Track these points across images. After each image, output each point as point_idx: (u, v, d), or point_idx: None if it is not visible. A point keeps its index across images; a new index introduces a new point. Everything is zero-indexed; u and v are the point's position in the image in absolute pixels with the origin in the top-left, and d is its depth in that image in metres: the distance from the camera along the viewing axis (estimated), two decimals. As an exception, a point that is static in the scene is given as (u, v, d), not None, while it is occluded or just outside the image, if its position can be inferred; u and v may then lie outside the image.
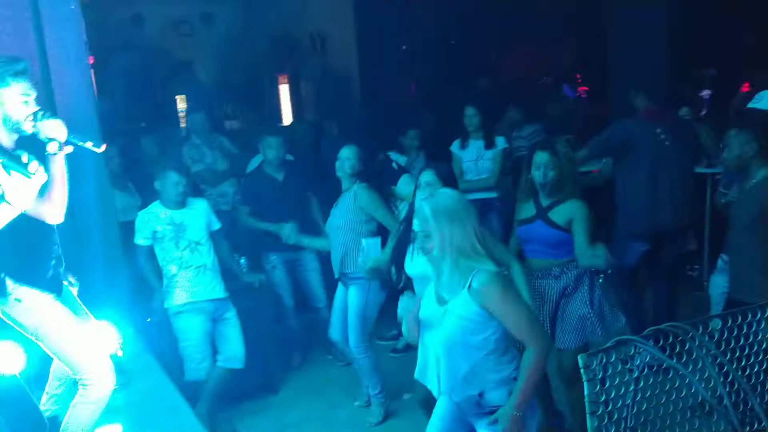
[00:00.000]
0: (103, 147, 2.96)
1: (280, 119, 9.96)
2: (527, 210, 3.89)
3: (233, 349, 4.46)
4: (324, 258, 5.14)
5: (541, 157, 3.77)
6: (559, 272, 3.76)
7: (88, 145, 2.88)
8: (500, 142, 5.76)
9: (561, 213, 3.74)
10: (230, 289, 4.52)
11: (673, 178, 4.72)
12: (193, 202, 4.46)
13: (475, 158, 5.73)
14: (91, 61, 4.51)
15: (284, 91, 9.95)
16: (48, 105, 3.86)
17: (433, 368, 2.79)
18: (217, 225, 4.53)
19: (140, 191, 5.24)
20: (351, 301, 4.44)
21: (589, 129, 5.59)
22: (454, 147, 5.83)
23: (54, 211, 2.83)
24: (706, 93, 7.68)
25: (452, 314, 2.68)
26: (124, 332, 3.62)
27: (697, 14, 7.12)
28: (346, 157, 4.46)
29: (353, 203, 4.41)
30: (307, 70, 10.11)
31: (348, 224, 4.41)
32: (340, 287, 4.59)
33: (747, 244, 3.68)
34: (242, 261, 4.83)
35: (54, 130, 2.79)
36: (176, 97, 10.12)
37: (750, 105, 4.27)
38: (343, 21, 10.01)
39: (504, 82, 10.05)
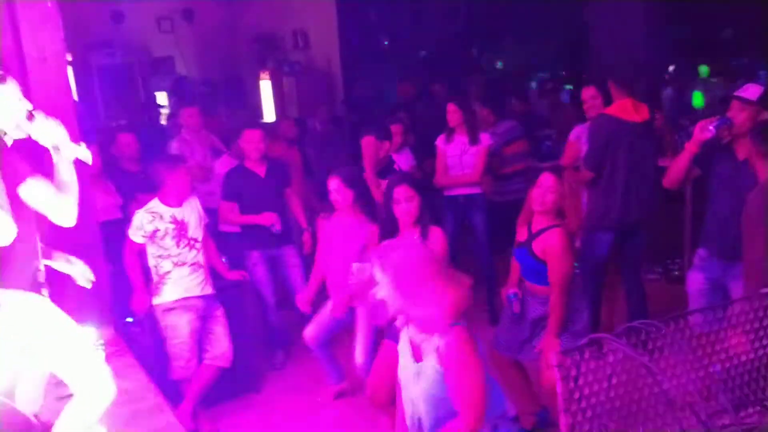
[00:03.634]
0: (89, 154, 2.93)
1: (262, 116, 9.93)
2: (521, 232, 3.89)
3: (221, 348, 4.45)
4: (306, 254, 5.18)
5: (546, 179, 3.74)
6: (543, 299, 3.76)
7: (78, 152, 2.86)
8: (484, 138, 5.78)
9: (542, 243, 3.71)
10: (215, 286, 4.51)
11: (641, 171, 4.76)
12: (189, 200, 4.45)
13: (460, 153, 5.75)
14: (71, 59, 4.47)
15: (266, 87, 9.90)
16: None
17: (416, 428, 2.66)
18: (205, 220, 4.53)
19: (119, 190, 5.20)
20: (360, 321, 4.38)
21: (571, 126, 5.61)
22: (440, 142, 5.85)
23: (69, 213, 2.80)
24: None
25: (428, 368, 2.54)
26: (104, 333, 3.60)
27: (676, 8, 7.19)
28: (335, 190, 4.33)
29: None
30: (290, 66, 10.08)
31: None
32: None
33: (759, 243, 3.52)
34: (223, 260, 4.82)
35: (53, 131, 2.76)
36: (157, 93, 10.05)
37: (737, 93, 4.20)
38: (326, 17, 9.99)
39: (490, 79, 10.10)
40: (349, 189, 4.30)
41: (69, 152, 2.79)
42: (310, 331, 4.54)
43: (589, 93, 5.24)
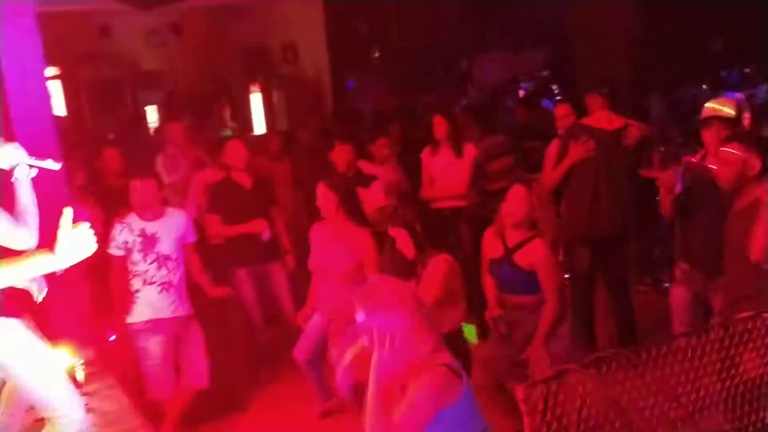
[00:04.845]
0: (59, 164, 2.89)
1: (251, 128, 9.90)
2: (497, 248, 3.84)
3: (197, 368, 4.37)
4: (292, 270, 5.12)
5: (515, 192, 3.72)
6: (533, 307, 3.73)
7: (46, 164, 2.82)
8: (470, 150, 5.75)
9: (526, 255, 3.69)
10: (197, 304, 4.44)
11: (615, 182, 4.73)
12: (170, 214, 4.37)
13: (445, 165, 5.72)
14: (58, 73, 4.45)
15: (256, 100, 9.89)
16: (4, 121, 3.79)
17: None
18: (191, 238, 4.45)
19: (103, 205, 5.14)
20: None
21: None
22: (425, 154, 5.82)
23: (29, 237, 2.75)
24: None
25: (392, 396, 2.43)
26: (84, 353, 3.54)
27: (657, 23, 7.21)
28: (321, 195, 4.26)
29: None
30: (279, 79, 10.06)
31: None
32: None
33: (739, 269, 3.47)
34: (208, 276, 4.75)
35: (12, 154, 2.72)
36: (146, 107, 10.02)
37: (708, 104, 4.21)
38: (314, 30, 9.98)
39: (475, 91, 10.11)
40: (333, 193, 4.24)
41: (28, 174, 2.75)
42: (299, 348, 4.49)
43: (562, 111, 5.22)
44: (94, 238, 2.34)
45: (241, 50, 10.21)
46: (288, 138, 7.48)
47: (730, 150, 3.40)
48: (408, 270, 3.70)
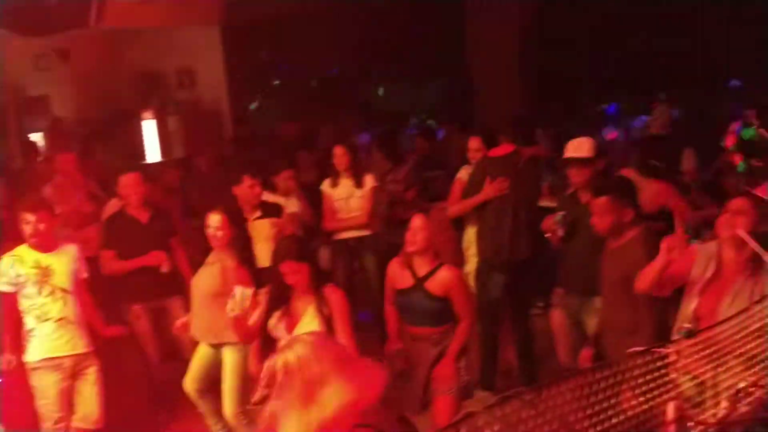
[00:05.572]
0: None
1: (144, 157, 9.59)
2: (403, 278, 3.88)
3: (88, 408, 4.18)
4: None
5: (413, 221, 3.77)
6: (438, 339, 3.79)
7: None
8: (369, 180, 5.81)
9: (438, 282, 3.74)
10: (92, 343, 4.25)
11: (526, 211, 4.94)
12: (63, 247, 4.20)
13: (346, 197, 5.75)
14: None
15: (150, 127, 9.60)
16: None
17: None
18: (84, 274, 4.28)
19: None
20: (226, 364, 4.25)
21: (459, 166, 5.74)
22: (325, 186, 5.82)
23: None
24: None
25: None
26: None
27: (550, 54, 7.60)
28: (215, 227, 4.22)
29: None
30: (174, 105, 9.84)
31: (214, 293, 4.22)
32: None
33: (616, 301, 3.77)
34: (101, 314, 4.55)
35: None
36: (32, 135, 9.52)
37: (568, 155, 4.50)
38: (212, 55, 9.84)
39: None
40: (231, 227, 4.20)
41: None
42: (187, 379, 4.40)
43: (474, 144, 5.39)
44: None
45: (135, 75, 9.91)
46: (184, 166, 7.31)
47: (603, 202, 3.73)
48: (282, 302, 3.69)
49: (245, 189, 5.08)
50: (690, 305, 3.19)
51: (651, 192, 5.10)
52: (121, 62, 9.73)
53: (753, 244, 2.41)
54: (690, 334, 2.21)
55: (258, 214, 5.11)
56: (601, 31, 10.25)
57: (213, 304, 4.21)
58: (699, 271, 3.22)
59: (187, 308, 5.05)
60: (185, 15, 9.06)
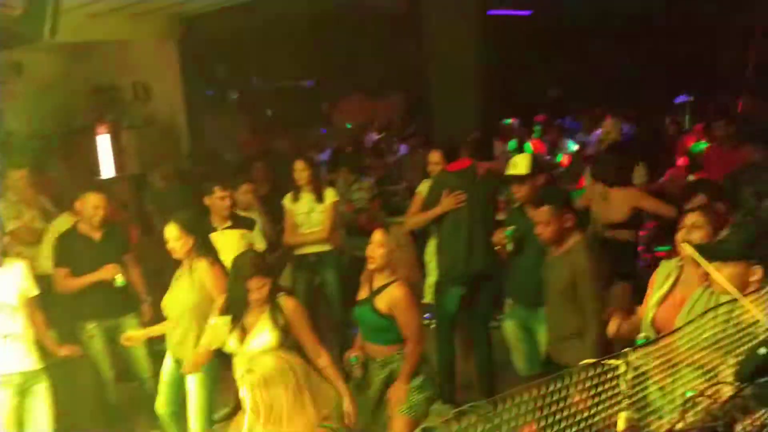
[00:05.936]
0: None
1: (99, 172, 9.42)
2: (363, 291, 3.90)
3: (38, 428, 4.08)
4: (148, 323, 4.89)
5: (373, 236, 3.79)
6: (383, 362, 3.78)
7: None
8: (331, 195, 5.82)
9: (385, 298, 3.74)
10: (42, 361, 4.15)
11: (482, 224, 5.01)
12: (10, 264, 4.11)
13: (307, 211, 5.75)
14: None
15: (104, 142, 9.43)
16: None
17: None
18: (34, 292, 4.18)
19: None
20: (191, 385, 4.18)
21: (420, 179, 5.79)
22: (287, 200, 5.82)
23: None
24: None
25: None
26: None
27: (506, 68, 7.75)
28: (174, 238, 4.17)
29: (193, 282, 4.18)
30: (130, 119, 9.69)
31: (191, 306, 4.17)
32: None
33: (562, 308, 3.90)
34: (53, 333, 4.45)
35: None
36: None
37: (508, 172, 4.65)
38: (168, 68, 9.73)
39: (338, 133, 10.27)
40: (189, 236, 4.15)
41: None
42: (159, 402, 4.34)
43: (434, 158, 5.47)
44: None
45: (89, 90, 9.75)
46: (139, 182, 7.21)
47: (544, 212, 3.87)
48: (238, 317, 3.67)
49: (215, 200, 5.13)
50: (648, 315, 3.27)
51: (619, 199, 5.23)
52: (75, 76, 9.57)
53: (697, 257, 2.48)
54: (646, 342, 2.27)
55: (228, 224, 5.12)
56: (557, 45, 10.48)
57: (194, 316, 4.15)
58: (658, 283, 3.31)
59: (143, 326, 5.00)
60: (141, 29, 8.97)
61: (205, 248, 4.26)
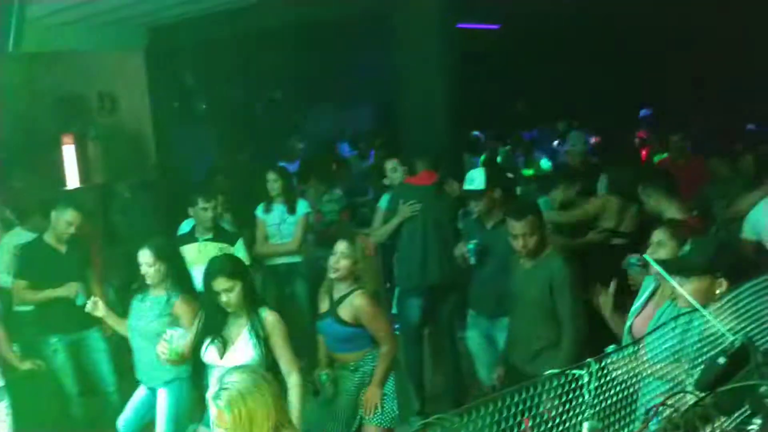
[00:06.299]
0: None
1: (64, 183, 9.27)
2: (324, 303, 3.91)
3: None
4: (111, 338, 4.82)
5: (337, 246, 3.80)
6: (354, 366, 3.79)
7: None
8: (302, 206, 5.82)
9: (348, 308, 3.75)
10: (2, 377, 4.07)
11: (441, 236, 5.08)
12: None
13: (279, 222, 5.75)
14: None
15: (69, 152, 9.28)
16: None
17: None
18: None
19: None
20: (161, 406, 4.11)
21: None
22: (258, 211, 5.82)
23: None
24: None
25: None
26: None
27: (474, 81, 7.84)
28: (147, 264, 4.09)
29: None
30: (96, 129, 9.57)
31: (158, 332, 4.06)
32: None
33: (536, 319, 3.93)
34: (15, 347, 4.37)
35: None
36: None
37: (465, 187, 4.71)
38: (135, 78, 9.63)
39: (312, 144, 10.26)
40: (162, 262, 4.09)
41: None
42: (123, 418, 4.26)
43: (389, 165, 5.50)
44: None
45: (53, 100, 9.60)
46: (105, 193, 7.12)
47: (528, 222, 3.91)
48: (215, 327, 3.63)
49: (198, 211, 5.12)
50: (627, 324, 3.34)
51: (634, 211, 5.15)
52: (40, 86, 9.43)
53: (658, 270, 2.54)
54: (609, 352, 2.30)
55: (209, 236, 5.11)
56: (523, 59, 10.62)
57: (151, 341, 4.01)
58: (639, 293, 3.39)
59: (107, 340, 4.93)
60: (107, 39, 8.88)
61: (180, 280, 4.19)
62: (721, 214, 5.10)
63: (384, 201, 5.49)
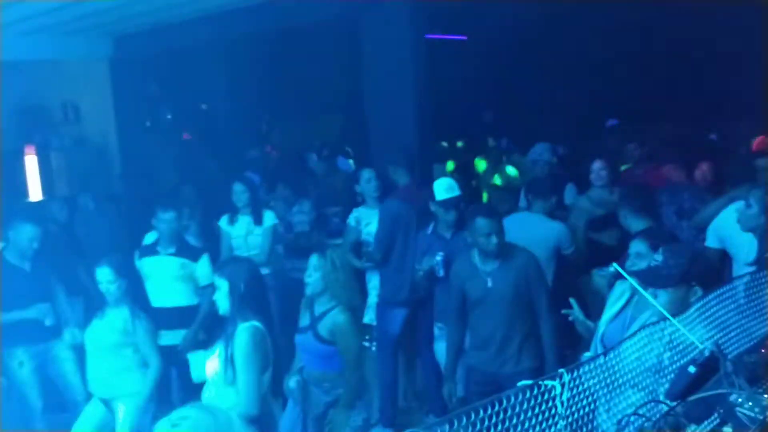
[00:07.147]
0: None
1: (27, 195, 9.11)
2: (304, 318, 3.87)
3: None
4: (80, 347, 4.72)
5: (310, 260, 3.79)
6: (329, 387, 3.78)
7: None
8: (269, 217, 5.76)
9: (327, 325, 3.73)
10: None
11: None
12: None
13: (245, 234, 5.68)
14: None
15: (31, 163, 9.13)
16: None
17: None
18: None
19: None
20: (121, 418, 4.06)
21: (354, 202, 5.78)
22: (222, 222, 5.73)
23: None
24: None
25: None
26: None
27: (441, 91, 7.86)
28: (107, 281, 4.06)
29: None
30: (59, 140, 9.41)
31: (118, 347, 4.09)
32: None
33: (512, 317, 3.93)
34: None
35: None
36: None
37: (439, 197, 4.68)
38: (99, 88, 9.50)
39: (276, 155, 10.20)
40: (122, 278, 4.06)
41: None
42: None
43: (364, 176, 5.43)
44: None
45: (16, 110, 9.43)
46: (69, 204, 7.00)
47: (487, 222, 3.92)
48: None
49: (160, 223, 5.02)
50: (599, 332, 3.35)
51: None
52: (2, 96, 9.25)
53: (629, 279, 2.57)
54: (582, 362, 2.31)
55: (171, 250, 5.00)
56: (491, 70, 10.71)
57: (111, 356, 4.08)
58: (611, 301, 3.39)
59: (73, 349, 4.83)
60: (71, 48, 8.75)
61: (134, 291, 4.20)
62: (671, 219, 5.17)
63: (352, 219, 5.37)
